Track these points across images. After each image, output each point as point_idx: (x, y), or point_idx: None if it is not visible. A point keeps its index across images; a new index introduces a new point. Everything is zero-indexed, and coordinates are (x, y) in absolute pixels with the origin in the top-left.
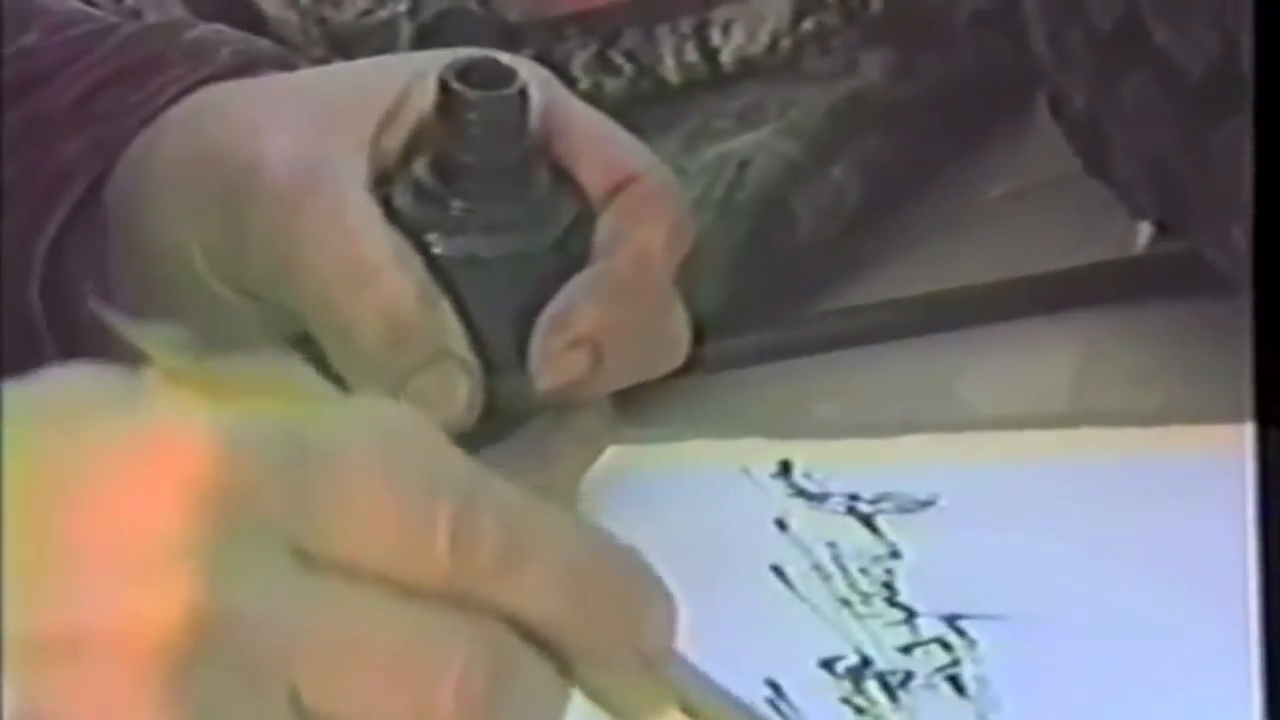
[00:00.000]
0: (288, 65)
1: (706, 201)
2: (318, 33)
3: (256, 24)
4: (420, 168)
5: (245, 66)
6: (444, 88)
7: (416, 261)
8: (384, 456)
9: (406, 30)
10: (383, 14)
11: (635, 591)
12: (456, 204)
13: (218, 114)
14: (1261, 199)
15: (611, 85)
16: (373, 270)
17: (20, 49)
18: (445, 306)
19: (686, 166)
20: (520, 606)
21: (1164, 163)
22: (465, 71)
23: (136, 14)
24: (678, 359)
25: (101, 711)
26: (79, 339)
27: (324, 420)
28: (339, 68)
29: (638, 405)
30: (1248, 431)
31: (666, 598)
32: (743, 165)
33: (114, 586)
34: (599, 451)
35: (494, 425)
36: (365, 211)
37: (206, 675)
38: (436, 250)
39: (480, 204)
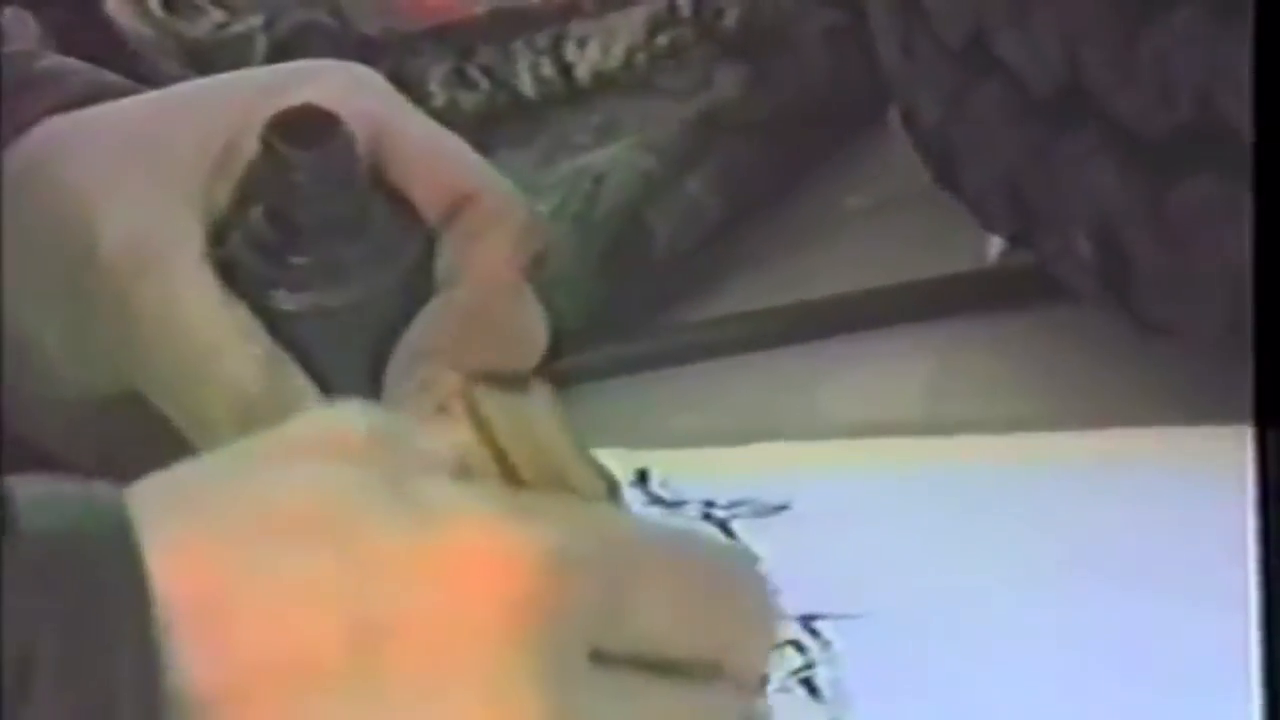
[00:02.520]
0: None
1: (563, 216)
2: (173, 46)
3: (113, 39)
4: (256, 218)
5: (92, 98)
6: (267, 146)
7: (258, 332)
8: (676, 552)
9: (262, 44)
10: (238, 28)
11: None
12: (297, 259)
13: (53, 169)
14: (1261, 210)
15: (468, 100)
16: (210, 354)
17: None
18: (292, 369)
19: (542, 181)
20: (741, 669)
21: (1013, 175)
22: (286, 124)
23: None
24: (536, 354)
25: None
26: None
27: (622, 528)
28: (170, 102)
29: None
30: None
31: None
32: (599, 179)
33: (451, 707)
34: None
35: None
36: (201, 289)
37: None
38: (283, 306)
39: (321, 256)
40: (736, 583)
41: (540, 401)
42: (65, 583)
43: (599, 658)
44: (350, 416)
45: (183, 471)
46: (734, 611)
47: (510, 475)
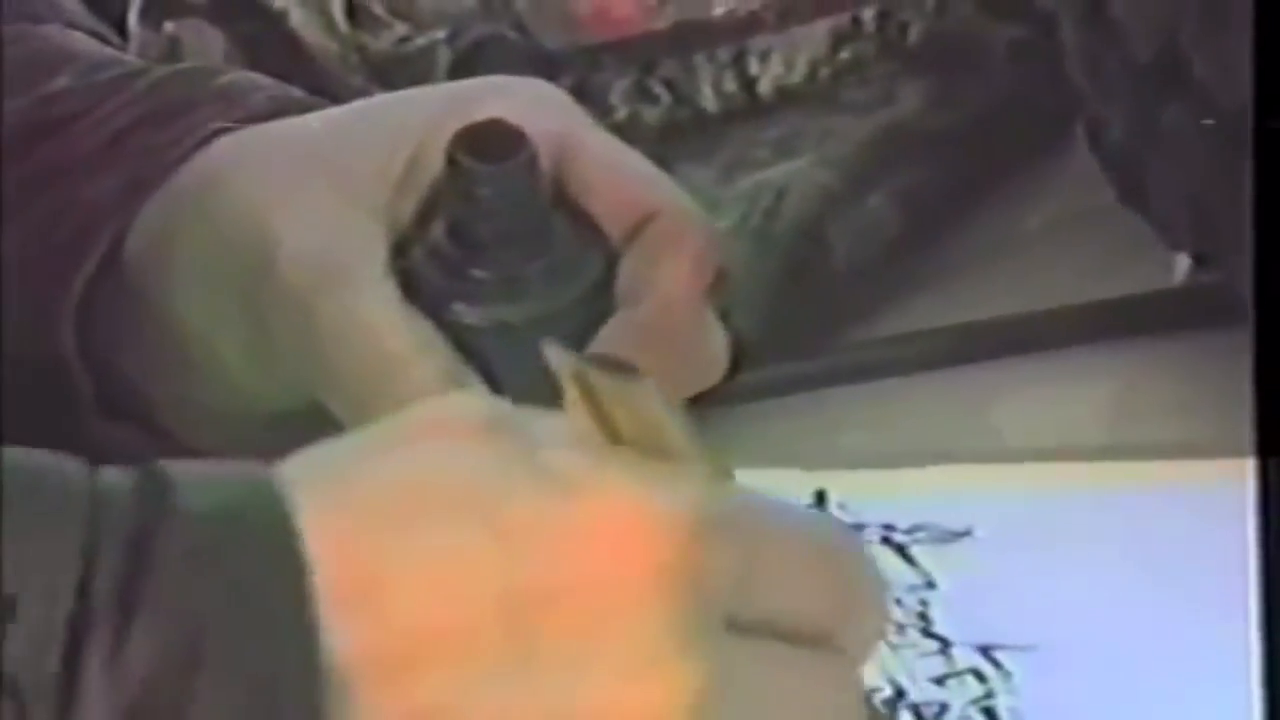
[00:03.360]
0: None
1: (743, 231)
2: (356, 60)
3: (297, 52)
4: (438, 233)
5: (275, 113)
6: (451, 160)
7: (440, 344)
8: (799, 523)
9: (444, 58)
10: (421, 41)
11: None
12: (478, 273)
13: (233, 182)
14: (1261, 230)
15: (649, 114)
16: (395, 366)
17: (49, 92)
18: (474, 383)
19: (723, 196)
20: (855, 646)
21: (1200, 195)
22: (471, 139)
23: (174, 44)
24: (716, 376)
25: None
26: (114, 383)
27: (749, 498)
28: (353, 117)
29: None
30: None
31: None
32: (780, 194)
33: (608, 675)
34: None
35: None
36: (383, 303)
37: None
38: (466, 321)
39: (502, 271)
40: (850, 556)
41: (650, 388)
42: (226, 563)
43: (735, 625)
44: (470, 401)
45: (324, 451)
46: (851, 583)
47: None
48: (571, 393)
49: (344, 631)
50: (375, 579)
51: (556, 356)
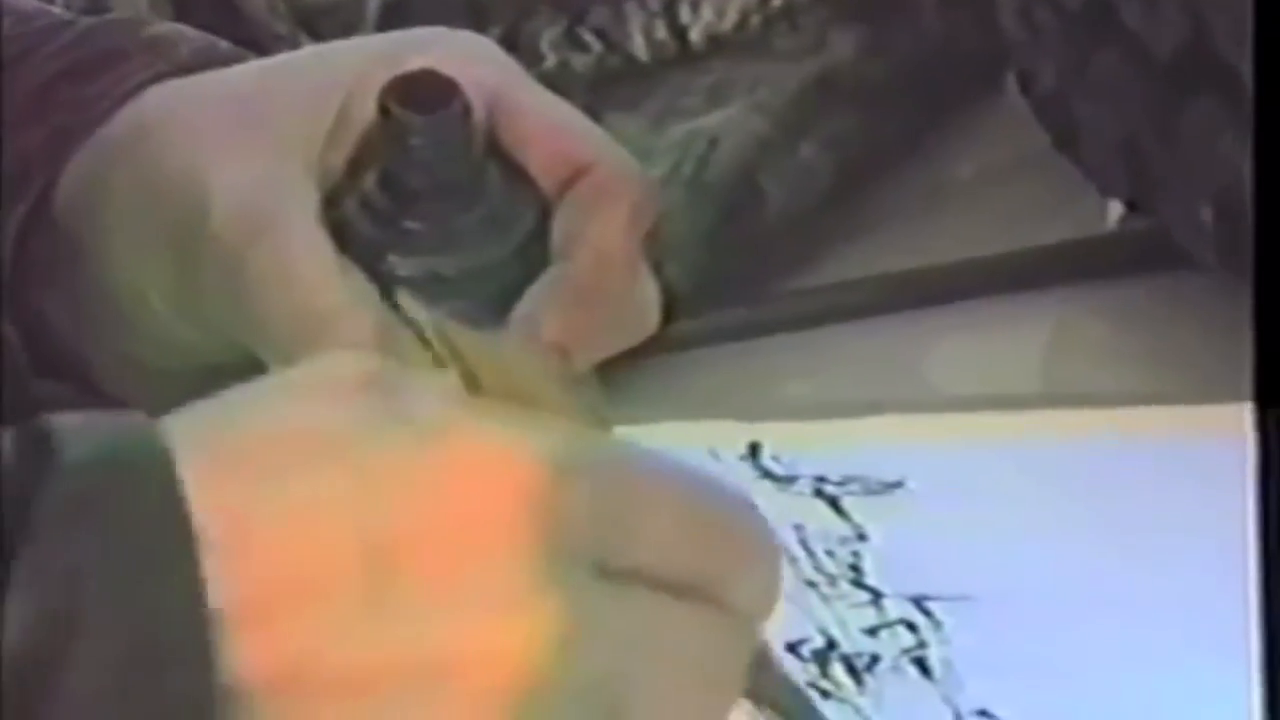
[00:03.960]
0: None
1: (675, 180)
2: (284, 9)
3: (223, 3)
4: (370, 184)
5: (203, 64)
6: (383, 110)
7: (372, 296)
8: (673, 473)
9: (373, 7)
10: None
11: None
12: (411, 224)
13: (164, 134)
14: (1262, 180)
15: (579, 63)
16: (326, 319)
17: None
18: (406, 335)
19: (655, 145)
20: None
21: (1133, 141)
22: (404, 89)
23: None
24: (649, 328)
25: None
26: (48, 341)
27: (620, 447)
28: (283, 69)
29: (607, 387)
30: (1227, 412)
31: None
32: (712, 143)
33: (468, 616)
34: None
35: None
36: (315, 253)
37: (549, 702)
38: (398, 272)
39: (435, 222)
40: (735, 513)
41: (514, 342)
42: (109, 511)
43: (604, 572)
44: (347, 358)
45: (208, 405)
46: (734, 540)
47: None
48: (436, 347)
49: (216, 579)
50: (244, 528)
51: (415, 311)
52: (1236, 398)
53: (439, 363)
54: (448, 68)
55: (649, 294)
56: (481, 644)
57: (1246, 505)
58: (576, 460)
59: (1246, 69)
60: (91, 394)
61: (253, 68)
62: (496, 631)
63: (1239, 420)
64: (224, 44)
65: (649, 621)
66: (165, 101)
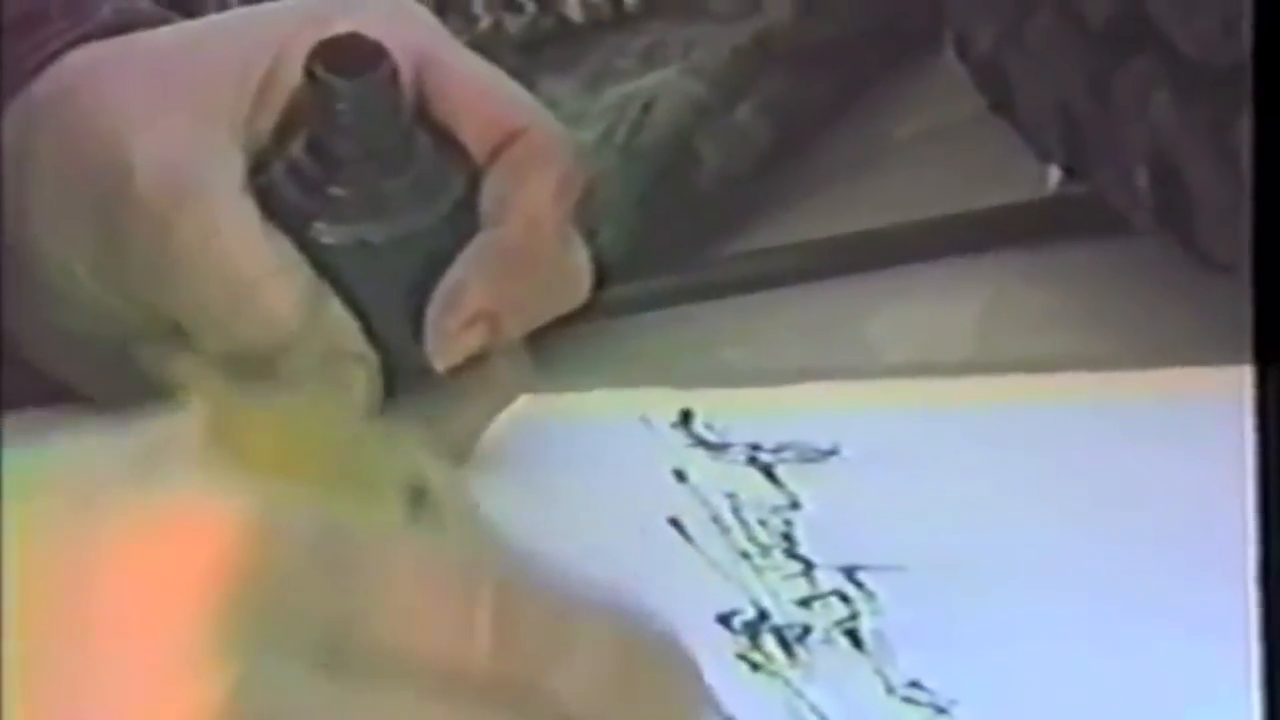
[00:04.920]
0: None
1: (609, 143)
2: None
3: None
4: (297, 149)
5: (125, 26)
6: (309, 75)
7: (298, 264)
8: (423, 545)
9: None
10: None
11: (673, 673)
12: (338, 190)
13: (87, 98)
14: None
15: (512, 23)
16: (250, 285)
17: None
18: (333, 304)
19: (589, 108)
20: (566, 698)
21: (1069, 105)
22: (330, 53)
23: None
24: (581, 295)
25: None
26: None
27: (361, 499)
28: (208, 31)
29: (539, 353)
30: (1164, 376)
31: (697, 671)
32: (647, 106)
33: (133, 686)
34: (511, 397)
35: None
36: (239, 220)
37: None
38: (323, 239)
39: (363, 188)
40: (515, 589)
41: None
42: None
43: (335, 654)
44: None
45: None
46: (514, 620)
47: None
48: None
49: None
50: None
51: (184, 371)
52: (1173, 362)
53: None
54: (374, 31)
55: (580, 261)
56: (148, 714)
57: (1188, 469)
58: (284, 526)
59: (1182, 31)
60: (18, 368)
61: (177, 30)
62: (159, 704)
63: (1176, 383)
64: (147, 5)
65: (378, 715)
66: (88, 64)
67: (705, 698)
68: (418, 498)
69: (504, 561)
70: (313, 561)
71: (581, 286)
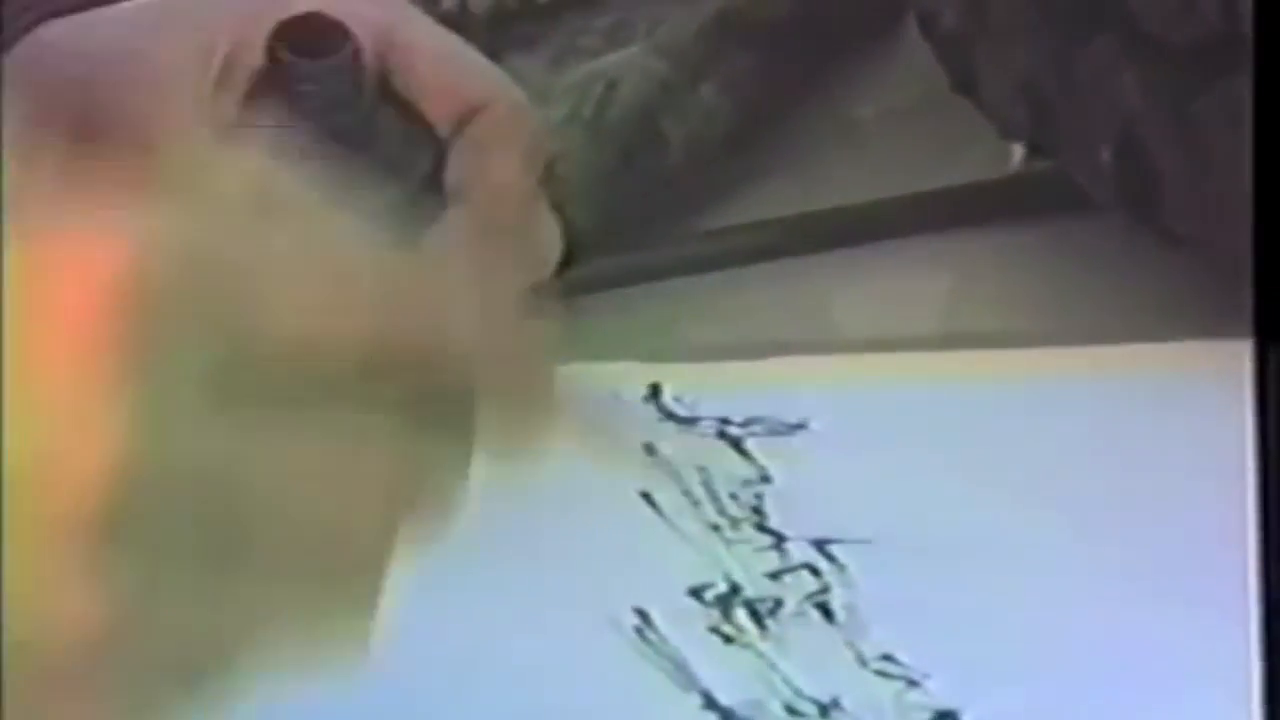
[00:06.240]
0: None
1: (575, 121)
2: None
3: None
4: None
5: (87, 2)
6: (271, 56)
7: None
8: (294, 241)
9: None
10: None
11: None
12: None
13: (53, 76)
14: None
15: (477, 3)
16: None
17: None
18: None
19: (553, 85)
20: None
21: (1033, 83)
22: (292, 34)
23: None
24: (550, 268)
25: (24, 562)
26: None
27: (226, 212)
28: (170, 10)
29: None
30: (1130, 352)
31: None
32: (611, 85)
33: (35, 427)
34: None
35: None
36: None
37: (138, 524)
38: None
39: (327, 169)
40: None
41: None
42: None
43: (229, 393)
44: None
45: None
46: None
47: None
48: None
49: None
50: None
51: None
52: (1136, 338)
53: None
54: (338, 9)
55: (549, 233)
56: (46, 458)
57: (1150, 443)
58: (164, 245)
59: (1144, 8)
60: None
61: (140, 6)
62: (64, 443)
63: (1139, 359)
64: None
65: (279, 448)
66: (50, 43)
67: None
68: (265, 200)
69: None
70: (193, 286)
71: (551, 258)
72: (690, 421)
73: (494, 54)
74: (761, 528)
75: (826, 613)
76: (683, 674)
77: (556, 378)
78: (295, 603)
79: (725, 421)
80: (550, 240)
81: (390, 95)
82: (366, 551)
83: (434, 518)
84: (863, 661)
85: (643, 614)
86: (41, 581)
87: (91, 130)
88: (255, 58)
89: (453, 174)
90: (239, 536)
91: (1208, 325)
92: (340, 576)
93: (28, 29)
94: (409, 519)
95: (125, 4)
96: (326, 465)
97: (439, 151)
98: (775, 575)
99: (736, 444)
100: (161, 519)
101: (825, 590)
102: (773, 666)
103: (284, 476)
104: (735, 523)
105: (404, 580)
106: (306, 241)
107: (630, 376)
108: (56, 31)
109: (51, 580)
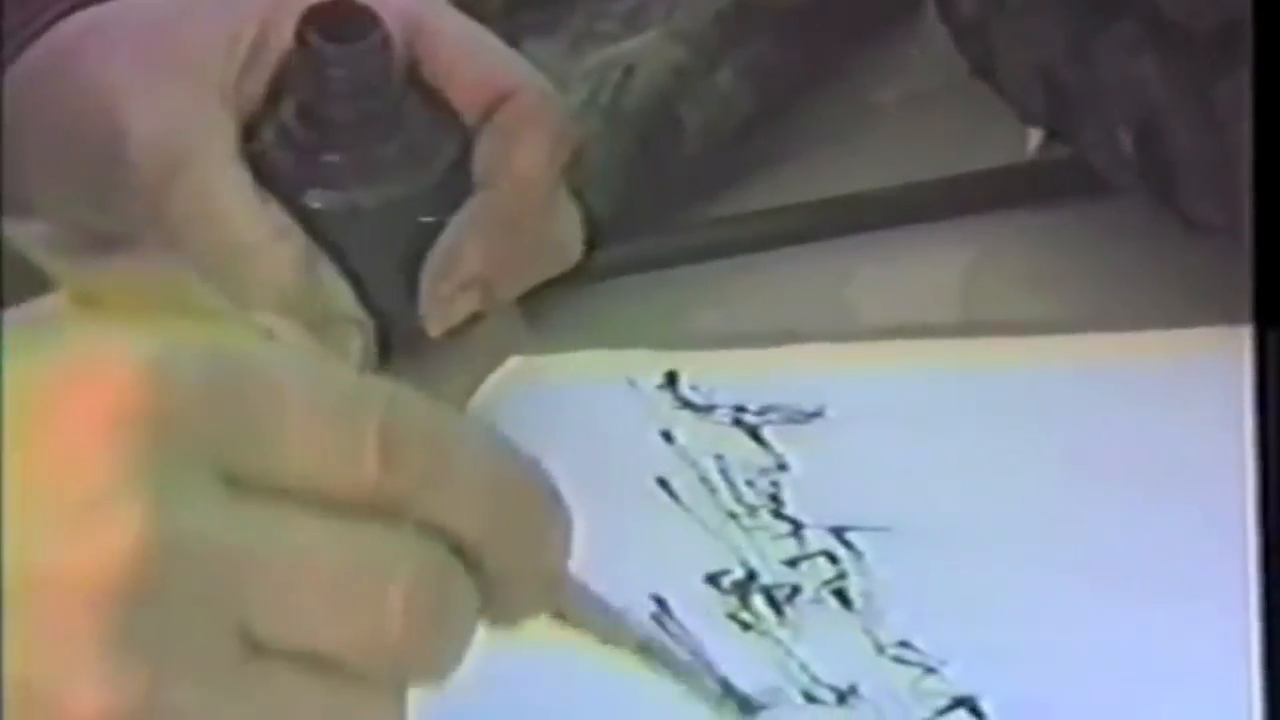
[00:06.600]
0: None
1: (592, 108)
2: None
3: None
4: (288, 114)
5: None
6: (301, 41)
7: (293, 229)
8: (309, 374)
9: None
10: None
11: (545, 508)
12: (330, 156)
13: (79, 64)
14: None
15: None
16: (247, 253)
17: None
18: (328, 269)
19: (571, 72)
20: (448, 519)
21: (1051, 67)
22: (321, 18)
23: None
24: (574, 256)
25: (53, 655)
26: None
27: (243, 340)
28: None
29: (525, 316)
30: (1147, 338)
31: (567, 514)
32: (629, 70)
33: (56, 528)
34: (504, 358)
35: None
36: (235, 187)
37: (154, 612)
38: (316, 205)
39: (355, 154)
40: (408, 415)
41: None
42: None
43: (234, 480)
44: None
45: None
46: (403, 444)
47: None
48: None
49: None
50: None
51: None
52: (1155, 323)
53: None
54: None
55: (573, 221)
56: (68, 555)
57: (1170, 429)
58: (180, 361)
59: None
60: None
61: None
62: (83, 541)
63: (1157, 345)
64: None
65: (286, 535)
66: (80, 30)
67: (569, 546)
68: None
69: (388, 388)
70: (206, 394)
71: (574, 247)
72: (706, 409)
73: (511, 39)
74: (779, 515)
75: (844, 599)
76: (700, 661)
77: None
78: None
79: (741, 409)
80: (573, 229)
81: (417, 82)
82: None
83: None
84: (880, 648)
85: (660, 601)
86: (48, 683)
87: (111, 165)
88: (283, 41)
89: (479, 161)
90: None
91: (1228, 309)
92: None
93: (52, 22)
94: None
95: None
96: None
97: (465, 138)
98: (792, 562)
99: (753, 431)
100: (170, 605)
101: (842, 577)
102: (790, 653)
103: (295, 579)
104: (752, 510)
105: None
106: (323, 377)
107: (646, 364)
108: (79, 27)
109: (59, 681)
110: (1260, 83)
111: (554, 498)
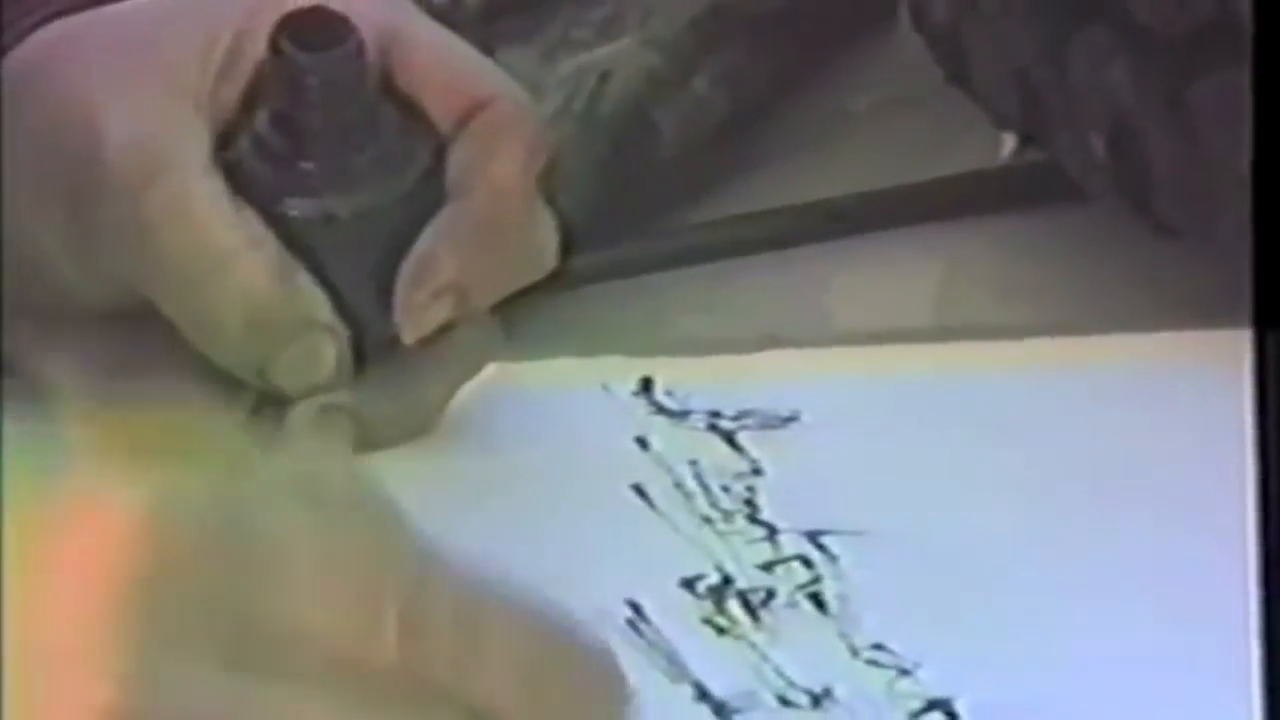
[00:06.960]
0: None
1: (567, 114)
2: None
3: None
4: (263, 122)
5: (94, 1)
6: (275, 49)
7: (268, 237)
8: (327, 537)
9: None
10: None
11: (592, 685)
12: (305, 164)
13: (55, 72)
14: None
15: None
16: (223, 259)
17: None
18: (303, 277)
19: (546, 79)
20: (480, 700)
21: (1024, 73)
22: (295, 27)
23: None
24: (548, 265)
25: None
26: None
27: (257, 491)
28: (172, 5)
29: (502, 323)
30: (1120, 342)
31: (618, 676)
32: (604, 77)
33: (39, 673)
34: (479, 367)
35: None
36: (210, 195)
37: None
38: (291, 213)
39: (330, 162)
40: (414, 571)
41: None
42: None
43: (242, 655)
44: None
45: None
46: (410, 601)
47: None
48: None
49: None
50: None
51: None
52: (1128, 329)
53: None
54: (339, 3)
55: (547, 230)
56: (46, 706)
57: (1144, 433)
58: (179, 509)
59: None
60: None
61: (144, 2)
62: (58, 695)
63: (1129, 349)
64: None
65: (277, 714)
66: (56, 40)
67: (628, 712)
68: (312, 495)
69: (414, 557)
70: (209, 554)
71: (548, 255)
72: (681, 415)
73: (486, 47)
74: (754, 519)
75: (819, 603)
76: (675, 665)
77: None
78: None
79: (716, 414)
80: (548, 236)
81: (392, 91)
82: None
83: None
84: (855, 651)
85: (635, 606)
86: None
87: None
88: (258, 49)
89: (454, 169)
90: None
91: (1200, 314)
92: None
93: (26, 32)
94: None
95: (128, 2)
96: None
97: (439, 147)
98: (768, 566)
99: (728, 437)
100: None
101: (817, 581)
102: (765, 657)
103: None
104: (727, 515)
105: None
106: (337, 542)
107: (621, 370)
108: (57, 34)
109: None
110: (1260, 83)
111: (603, 670)
